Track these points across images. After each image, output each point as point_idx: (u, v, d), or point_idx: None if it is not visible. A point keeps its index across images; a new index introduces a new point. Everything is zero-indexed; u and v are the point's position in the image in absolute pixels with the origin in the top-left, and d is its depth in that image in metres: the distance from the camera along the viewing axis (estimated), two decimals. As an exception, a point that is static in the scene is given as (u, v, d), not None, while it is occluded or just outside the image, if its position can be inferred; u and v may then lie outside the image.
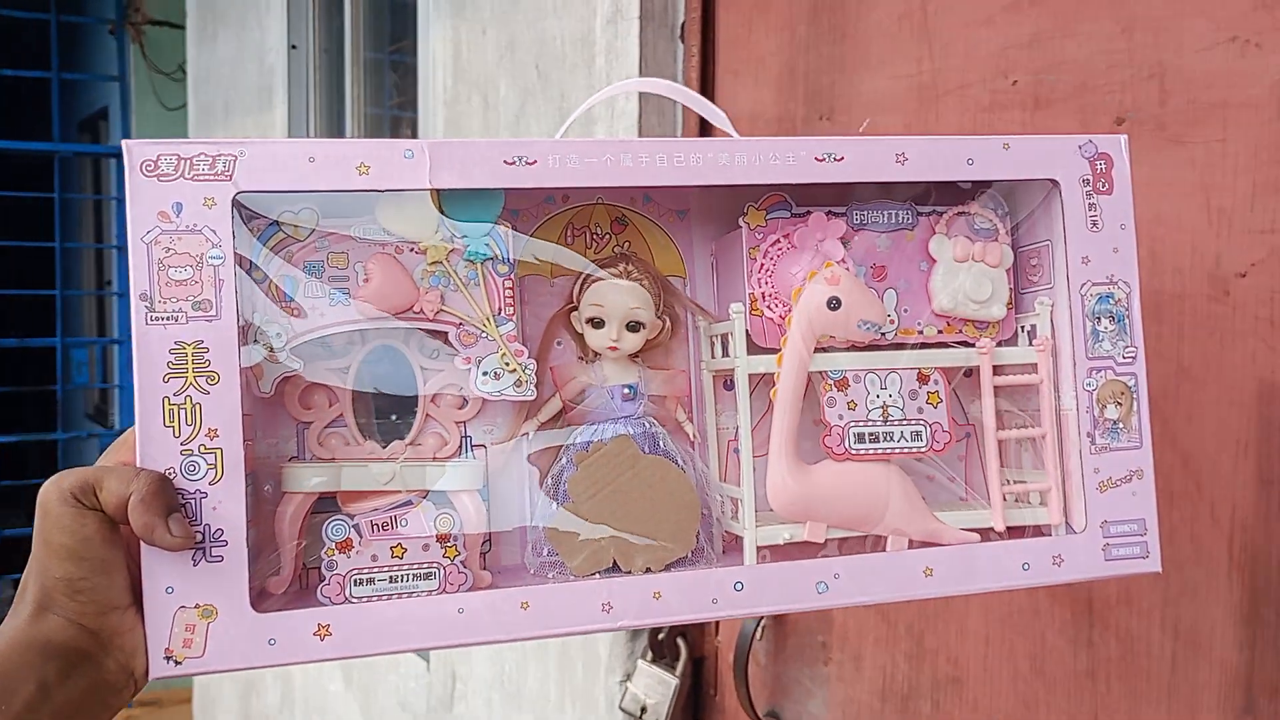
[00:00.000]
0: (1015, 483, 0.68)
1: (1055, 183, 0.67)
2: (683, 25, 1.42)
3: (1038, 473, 0.68)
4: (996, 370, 0.67)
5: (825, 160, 0.64)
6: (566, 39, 1.55)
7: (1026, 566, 0.64)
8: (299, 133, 2.69)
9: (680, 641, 1.33)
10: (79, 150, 4.80)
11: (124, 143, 0.57)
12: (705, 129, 1.36)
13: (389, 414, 0.67)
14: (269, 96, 2.78)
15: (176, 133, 3.83)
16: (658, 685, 1.36)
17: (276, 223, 0.62)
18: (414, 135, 2.32)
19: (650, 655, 1.35)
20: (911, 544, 0.64)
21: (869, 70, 1.16)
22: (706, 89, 1.39)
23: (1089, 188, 0.67)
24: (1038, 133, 0.93)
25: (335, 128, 2.67)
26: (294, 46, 2.69)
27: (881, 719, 1.15)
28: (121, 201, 4.50)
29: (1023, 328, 0.70)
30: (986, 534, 0.66)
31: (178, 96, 4.01)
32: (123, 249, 4.51)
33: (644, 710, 1.36)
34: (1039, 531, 0.68)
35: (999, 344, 0.69)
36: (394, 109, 2.60)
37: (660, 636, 1.31)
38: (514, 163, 0.60)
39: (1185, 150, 0.85)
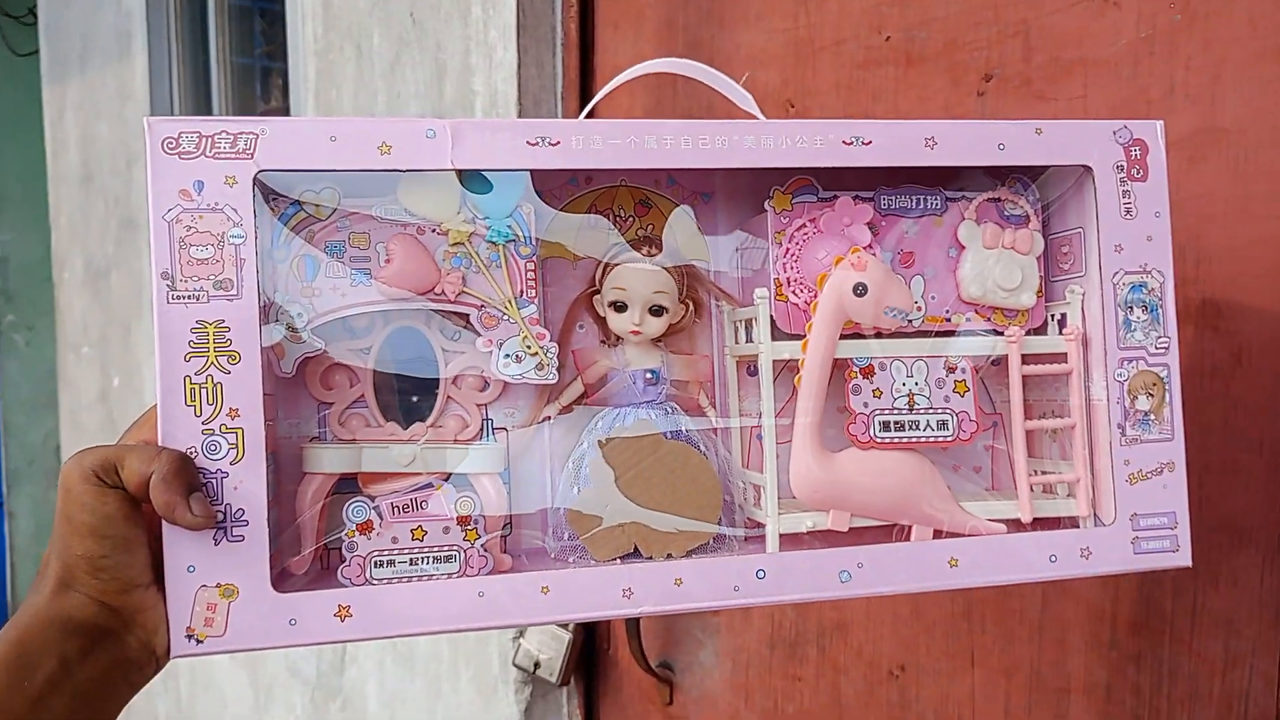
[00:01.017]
0: (1043, 473, 0.67)
1: (1089, 169, 0.65)
2: (563, -24, 1.41)
3: (1065, 464, 0.67)
4: (1025, 359, 0.66)
5: (853, 144, 0.63)
6: (443, -14, 1.52)
7: (1054, 558, 0.63)
8: (160, 83, 2.57)
9: None
10: None
11: (146, 120, 0.57)
12: (584, 79, 1.36)
13: (410, 395, 0.66)
14: (128, 43, 2.67)
15: (28, 81, 3.56)
16: (551, 641, 1.38)
17: (298, 202, 0.62)
18: (285, 88, 2.23)
19: None
20: (937, 534, 0.63)
21: (747, 25, 1.17)
22: (586, 42, 1.38)
23: (1123, 174, 0.65)
24: (910, 89, 0.96)
25: (200, 77, 2.56)
26: (152, -13, 2.57)
27: (770, 665, 1.19)
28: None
29: (1052, 316, 0.69)
30: (1013, 525, 0.65)
31: (29, 42, 3.72)
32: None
33: (538, 665, 1.38)
34: (1065, 523, 0.67)
35: (1028, 333, 0.67)
36: (263, 58, 2.51)
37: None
38: (537, 143, 0.60)
39: (1049, 106, 0.88)
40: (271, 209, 0.61)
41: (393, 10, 1.62)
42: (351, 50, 1.75)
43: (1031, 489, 0.66)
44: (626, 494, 0.63)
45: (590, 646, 1.43)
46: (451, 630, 0.57)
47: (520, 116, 1.37)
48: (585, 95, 1.40)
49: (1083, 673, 0.87)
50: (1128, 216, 0.65)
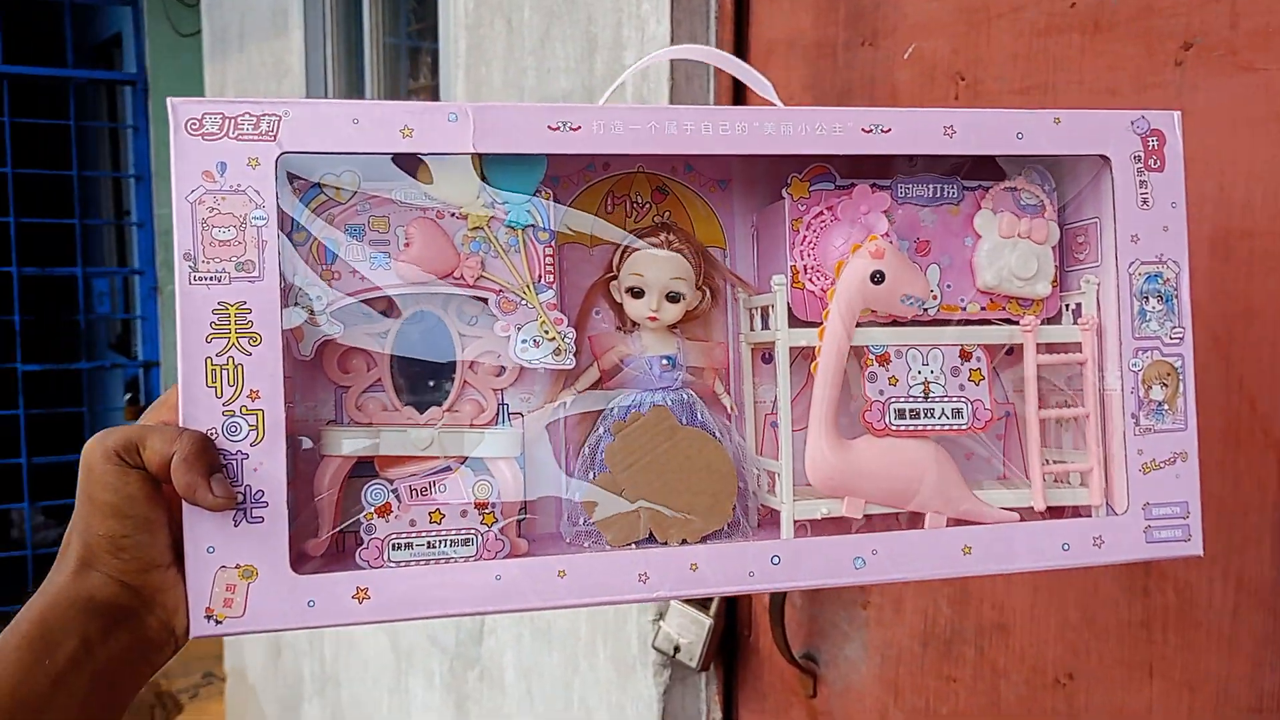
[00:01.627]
0: (1055, 462, 0.68)
1: (1106, 159, 0.65)
2: (717, -53, 1.36)
3: (1078, 453, 0.68)
4: (1040, 348, 0.66)
5: (872, 131, 0.63)
6: (594, -42, 1.49)
7: (1066, 547, 0.63)
8: (315, 59, 2.59)
9: None
10: (94, 77, 4.66)
11: (170, 101, 0.57)
12: (739, 52, 1.30)
13: (427, 380, 0.67)
14: (284, 21, 2.70)
15: (191, 60, 3.72)
16: (691, 625, 1.33)
17: (318, 185, 0.62)
18: (433, 65, 2.23)
19: None
20: (950, 522, 0.64)
21: (915, -10, 1.09)
22: (741, 14, 1.32)
23: (1140, 164, 0.66)
24: (1098, 59, 0.90)
25: (352, 54, 2.58)
26: (310, -31, 2.62)
27: (922, 663, 1.12)
28: (138, 130, 4.42)
29: (1067, 306, 0.69)
30: (1025, 513, 0.65)
31: (192, 22, 3.92)
32: (140, 178, 4.42)
33: (677, 649, 1.34)
34: (1078, 512, 0.67)
35: (1043, 322, 0.68)
36: (411, 37, 2.50)
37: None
38: (558, 128, 0.60)
39: (1257, 77, 0.78)
40: (292, 191, 0.62)
41: (544, -18, 1.59)
42: (502, 25, 1.70)
43: (1044, 478, 0.66)
44: (641, 479, 0.63)
45: (731, 633, 1.39)
46: (468, 613, 0.58)
47: (672, 91, 1.33)
48: (739, 70, 1.34)
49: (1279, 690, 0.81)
50: (1144, 206, 0.65)
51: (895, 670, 1.16)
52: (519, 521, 0.66)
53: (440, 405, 0.66)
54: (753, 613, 1.36)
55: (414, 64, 2.49)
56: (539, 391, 0.68)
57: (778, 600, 1.22)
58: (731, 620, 1.38)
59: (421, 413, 0.65)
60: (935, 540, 0.62)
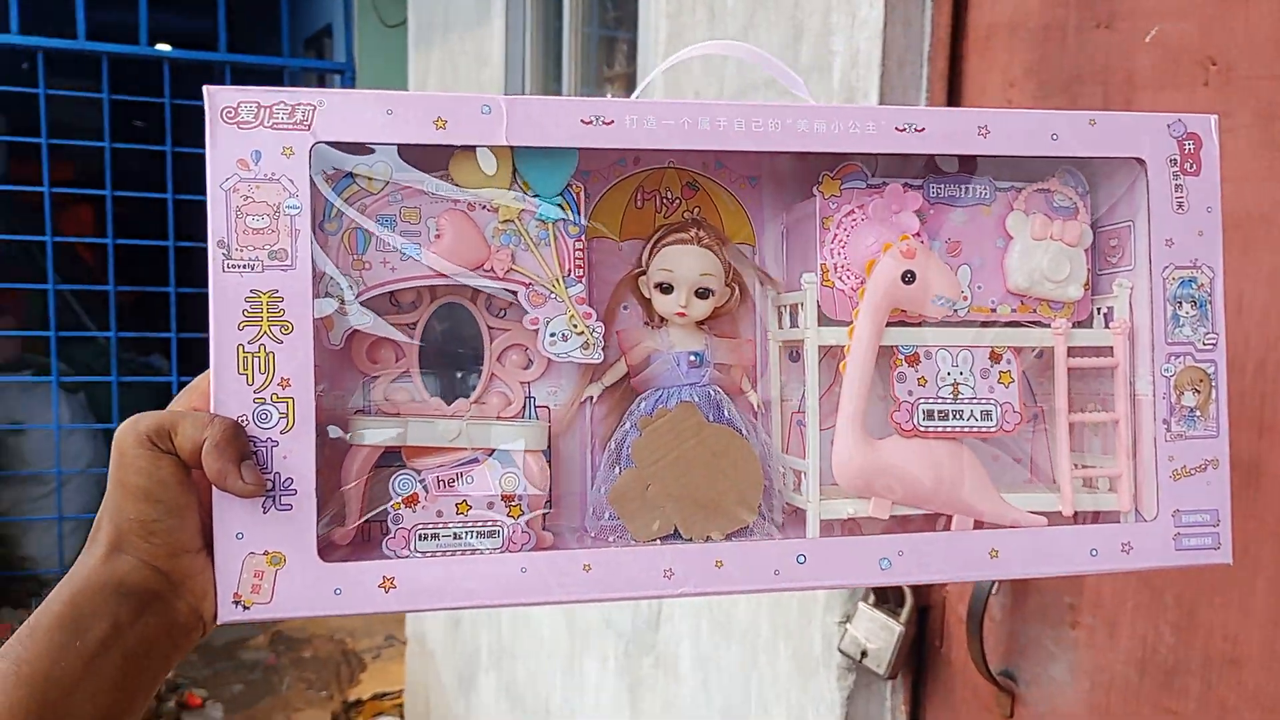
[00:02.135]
0: (1084, 467, 0.67)
1: (1141, 162, 0.65)
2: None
3: (1107, 458, 0.67)
4: (1071, 352, 0.66)
5: (905, 131, 0.62)
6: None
7: (1095, 552, 0.63)
8: (515, 49, 2.62)
9: (905, 586, 1.23)
10: (305, 66, 4.84)
11: (206, 89, 0.57)
12: (955, 38, 1.22)
13: (454, 371, 0.67)
14: (486, 12, 2.74)
15: (396, 51, 3.83)
16: (880, 630, 1.26)
17: (350, 174, 0.62)
18: (629, 54, 2.23)
19: (873, 598, 1.23)
20: (977, 524, 0.63)
21: (1158, -35, 0.99)
22: None
23: (1176, 168, 0.65)
24: None
25: (550, 43, 2.59)
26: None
27: (1139, 693, 1.02)
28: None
29: (1099, 310, 0.69)
30: (1053, 518, 0.65)
31: (397, 13, 4.06)
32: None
33: (864, 654, 1.27)
34: (1104, 518, 0.66)
35: (1074, 325, 0.67)
36: (606, 26, 2.48)
37: (885, 581, 1.17)
38: (591, 122, 0.60)
39: None
40: (325, 180, 0.62)
41: (748, -35, 1.53)
42: (704, 11, 1.66)
43: (1073, 482, 0.66)
44: (667, 475, 0.63)
45: (921, 642, 1.31)
46: (493, 605, 0.58)
47: (883, 79, 1.26)
48: (954, 56, 1.24)
49: None
50: (1179, 210, 0.65)
51: (1106, 697, 1.06)
52: (544, 515, 0.66)
53: (467, 397, 0.66)
54: (946, 623, 1.28)
55: (610, 52, 2.48)
56: (565, 386, 0.68)
57: (976, 612, 1.14)
58: (922, 628, 1.31)
59: (449, 404, 0.65)
60: (962, 543, 0.62)
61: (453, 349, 0.67)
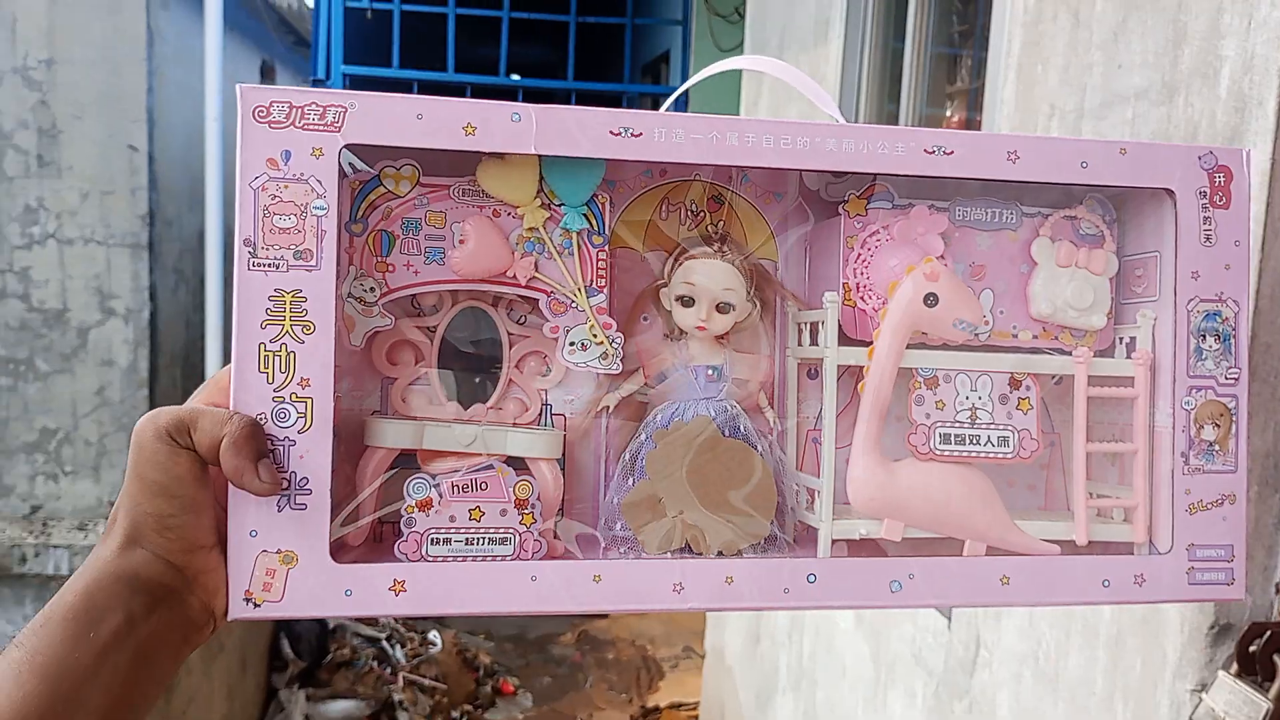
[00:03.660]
0: (1099, 497, 0.67)
1: (1171, 193, 0.64)
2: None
3: (1122, 488, 0.67)
4: (1091, 381, 0.65)
5: (935, 153, 0.62)
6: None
7: (1107, 583, 0.62)
8: (850, 69, 2.58)
9: (1278, 659, 1.05)
10: (642, 91, 5.26)
11: (238, 87, 0.57)
12: None
13: (473, 376, 0.67)
14: (825, 31, 2.71)
15: (730, 74, 3.83)
16: (1243, 705, 1.07)
17: (378, 177, 0.63)
18: (974, 69, 2.14)
19: (1236, 667, 1.08)
20: (989, 550, 0.63)
21: None
22: None
23: (1205, 200, 0.65)
24: None
25: (889, 64, 2.54)
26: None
27: None
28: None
29: (1121, 339, 0.68)
30: (1066, 547, 0.65)
31: (733, 38, 4.22)
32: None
33: None
34: (1115, 549, 0.66)
35: (1095, 354, 0.67)
36: (948, 45, 2.36)
37: (1252, 649, 1.04)
38: (620, 133, 0.60)
39: None
40: (351, 182, 0.62)
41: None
42: (1067, 18, 1.52)
43: (1087, 512, 0.65)
44: (681, 489, 0.63)
45: None
46: (503, 613, 0.58)
47: None
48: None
49: None
50: (1207, 243, 0.64)
51: None
52: (556, 523, 0.66)
53: (484, 402, 0.66)
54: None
55: (952, 69, 2.39)
56: (583, 395, 0.68)
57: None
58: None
59: (466, 408, 0.65)
60: (974, 569, 0.62)
61: (472, 354, 0.67)
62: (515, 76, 4.90)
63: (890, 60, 2.54)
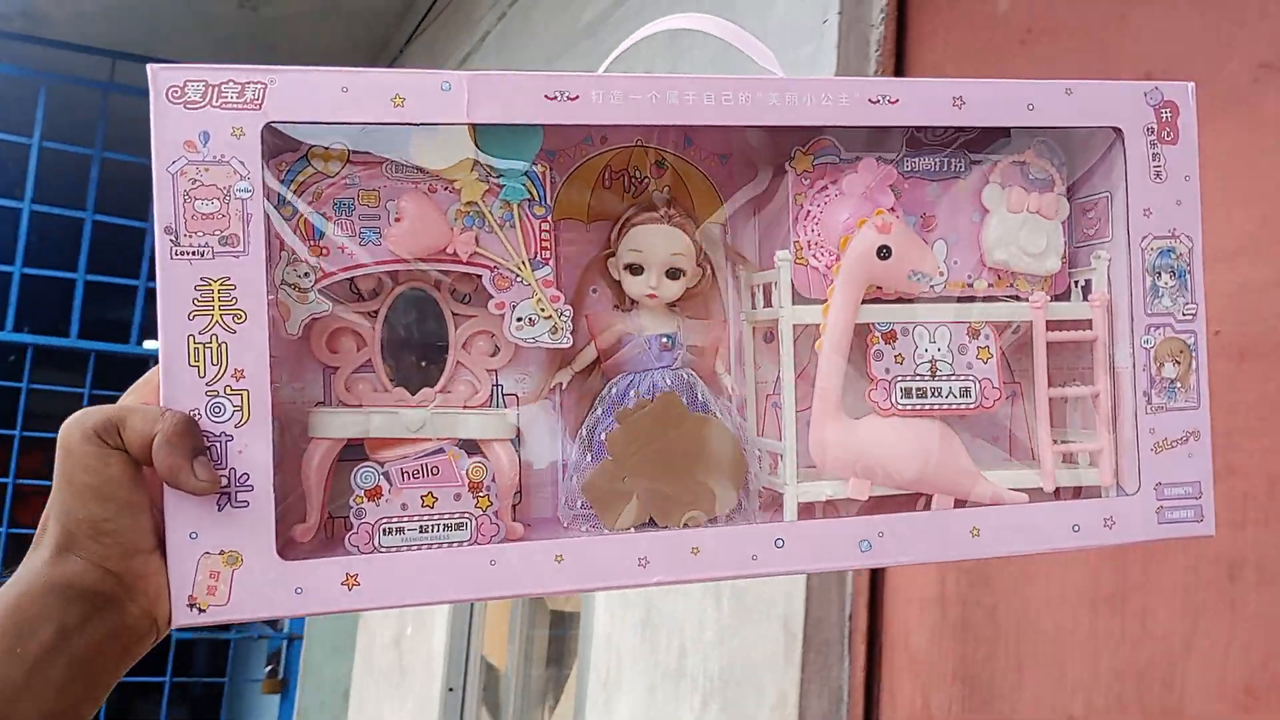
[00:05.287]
0: (1063, 442, 0.66)
1: (1118, 131, 0.64)
2: None
3: (1087, 433, 0.66)
4: (1049, 326, 0.64)
5: (879, 102, 0.61)
6: None
7: (1077, 528, 0.61)
8: None
9: None
10: None
11: (149, 68, 0.54)
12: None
13: (419, 360, 0.65)
14: None
15: None
16: None
17: (306, 157, 0.60)
18: None
19: None
20: (957, 504, 0.62)
21: None
22: None
23: (1153, 137, 0.64)
24: None
25: None
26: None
27: None
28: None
29: (1076, 283, 0.68)
30: (1033, 495, 0.64)
31: None
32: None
33: None
34: (1084, 493, 0.65)
35: (1052, 299, 0.66)
36: None
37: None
38: (555, 97, 0.58)
39: None
40: (279, 163, 0.59)
41: None
42: None
43: (1053, 458, 0.64)
44: (647, 467, 0.61)
45: None
46: (462, 599, 0.56)
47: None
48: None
49: None
50: (1157, 180, 0.64)
51: None
52: (514, 505, 0.64)
53: (433, 387, 0.64)
54: None
55: None
56: (534, 373, 0.66)
57: None
58: None
59: (413, 394, 0.63)
60: (943, 522, 0.60)
61: (416, 337, 0.65)
62: (152, 344, 4.09)
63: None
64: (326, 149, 0.60)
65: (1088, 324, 0.65)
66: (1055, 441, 0.65)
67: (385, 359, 0.64)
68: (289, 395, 0.62)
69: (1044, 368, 0.64)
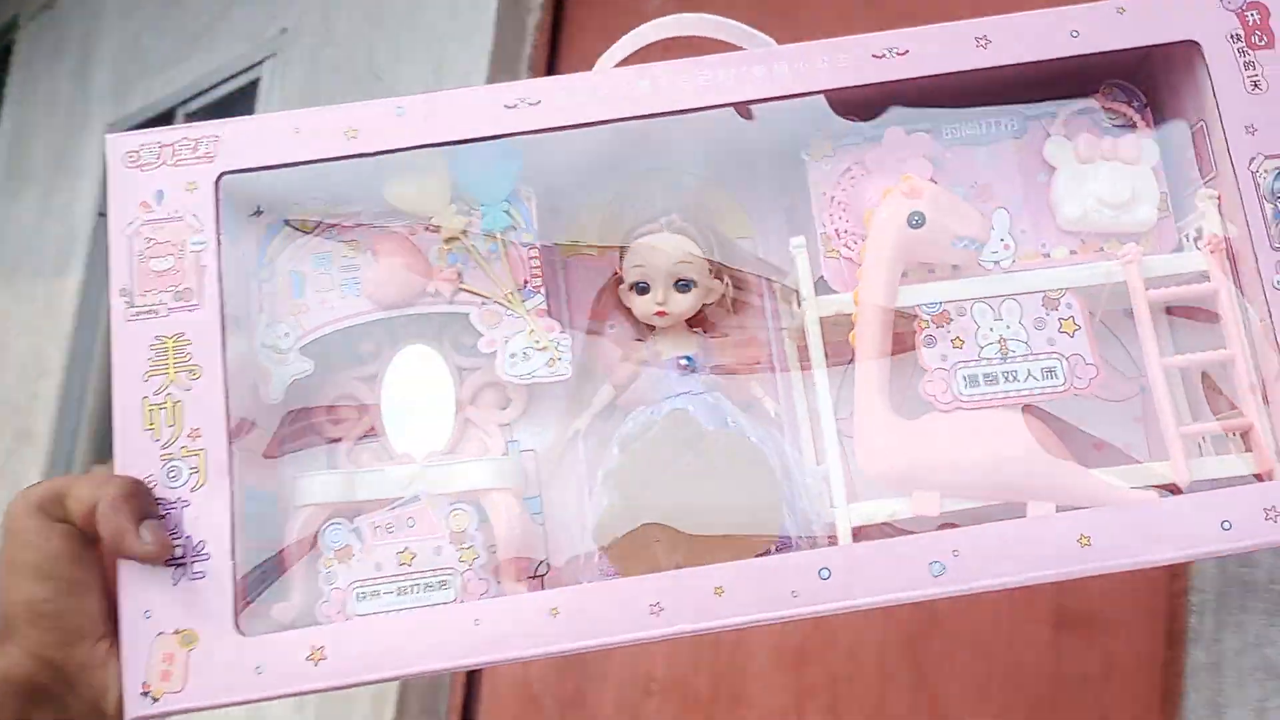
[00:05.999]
0: (1202, 423, 0.52)
1: (1195, 44, 0.52)
2: None
3: (1226, 415, 0.52)
4: (1150, 285, 0.52)
5: (885, 56, 0.53)
6: None
7: (1227, 525, 0.47)
8: None
9: None
10: None
11: (108, 136, 0.54)
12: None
13: (425, 421, 0.59)
14: None
15: None
16: None
17: (286, 221, 0.57)
18: None
19: None
20: (1059, 510, 0.49)
21: None
22: None
23: (1241, 43, 0.52)
24: None
25: None
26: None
27: None
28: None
29: (1187, 236, 0.55)
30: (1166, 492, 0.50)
31: None
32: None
33: None
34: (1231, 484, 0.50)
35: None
36: None
37: None
38: (516, 105, 0.53)
39: None
40: (256, 230, 0.57)
41: None
42: None
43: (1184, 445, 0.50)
44: (662, 503, 0.52)
45: None
46: (444, 669, 0.47)
47: None
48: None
49: None
50: (1256, 90, 0.52)
51: None
52: (540, 576, 0.56)
53: (440, 450, 0.57)
54: None
55: None
56: (552, 424, 0.58)
57: None
58: None
59: (420, 459, 0.57)
60: (1038, 532, 0.47)
61: (420, 397, 0.59)
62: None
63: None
64: (304, 208, 0.57)
65: (1204, 276, 0.52)
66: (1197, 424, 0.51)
67: (389, 424, 0.58)
68: (295, 472, 0.57)
69: (1150, 333, 0.51)
